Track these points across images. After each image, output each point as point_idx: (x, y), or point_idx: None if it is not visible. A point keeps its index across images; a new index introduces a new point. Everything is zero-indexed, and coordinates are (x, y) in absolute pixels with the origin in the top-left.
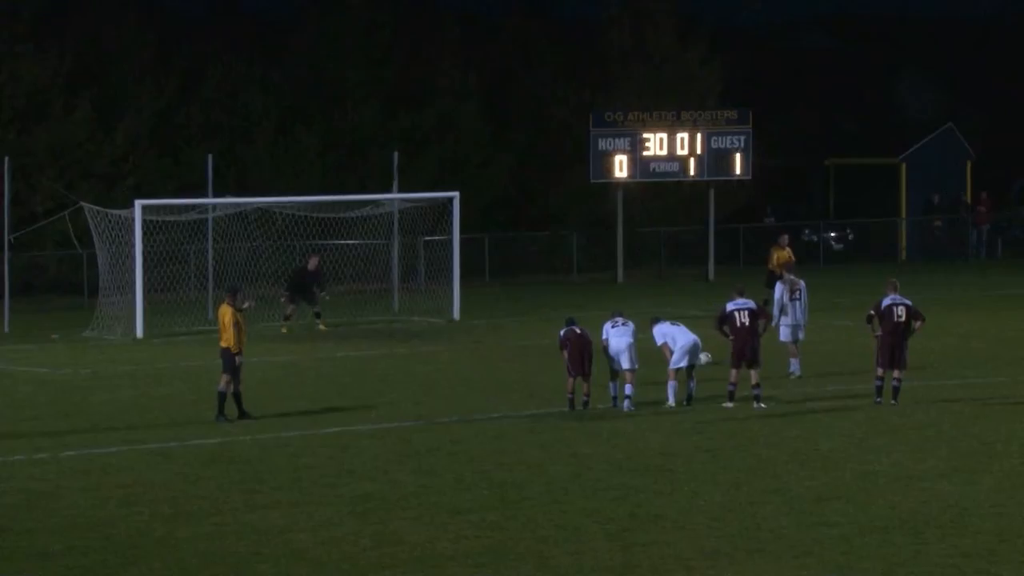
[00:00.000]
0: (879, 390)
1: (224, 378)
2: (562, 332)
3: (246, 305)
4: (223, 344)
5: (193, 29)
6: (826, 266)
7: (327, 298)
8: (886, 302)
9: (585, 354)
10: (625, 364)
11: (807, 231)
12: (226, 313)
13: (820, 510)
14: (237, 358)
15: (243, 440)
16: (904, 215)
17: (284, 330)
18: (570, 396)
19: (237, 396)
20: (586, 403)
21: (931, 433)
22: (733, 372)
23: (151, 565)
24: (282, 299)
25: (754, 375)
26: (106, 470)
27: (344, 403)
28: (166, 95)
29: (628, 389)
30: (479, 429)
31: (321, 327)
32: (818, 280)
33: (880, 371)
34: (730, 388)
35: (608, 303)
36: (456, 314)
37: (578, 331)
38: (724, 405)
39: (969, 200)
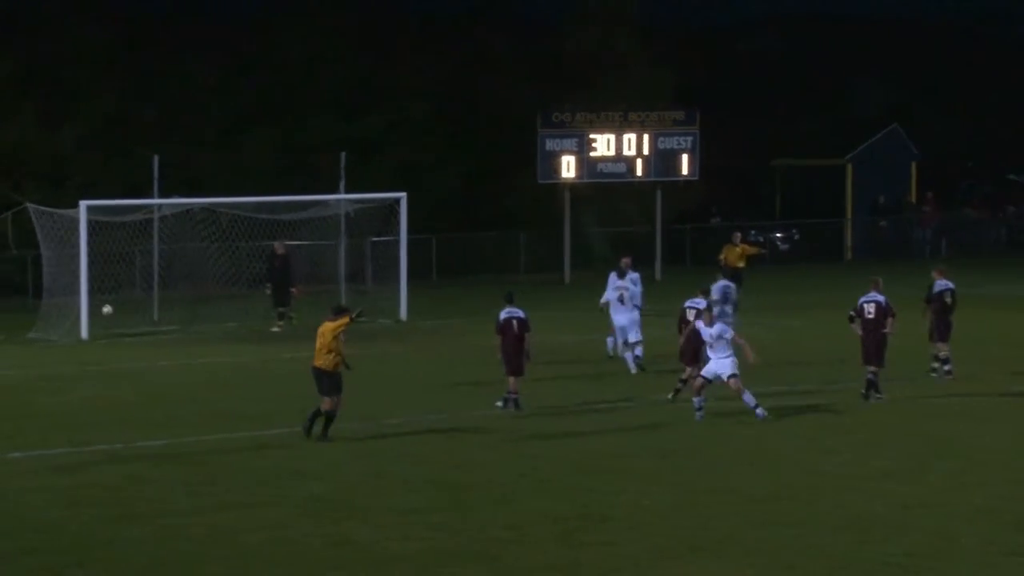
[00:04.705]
0: (869, 385)
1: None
2: (501, 316)
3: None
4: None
5: (144, 30)
6: (773, 266)
7: (294, 291)
8: (862, 300)
9: (519, 352)
10: (632, 337)
11: (754, 232)
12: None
13: (769, 509)
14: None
15: (191, 441)
16: (850, 215)
17: (276, 329)
18: (514, 395)
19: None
20: (515, 400)
21: (878, 433)
22: (688, 370)
23: (98, 566)
24: (267, 291)
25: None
26: (53, 471)
27: (293, 404)
28: (114, 96)
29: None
30: (428, 429)
31: (276, 328)
32: (764, 280)
33: (869, 368)
34: (679, 385)
35: (555, 303)
36: (404, 315)
37: (515, 323)
38: (668, 397)
39: (914, 200)
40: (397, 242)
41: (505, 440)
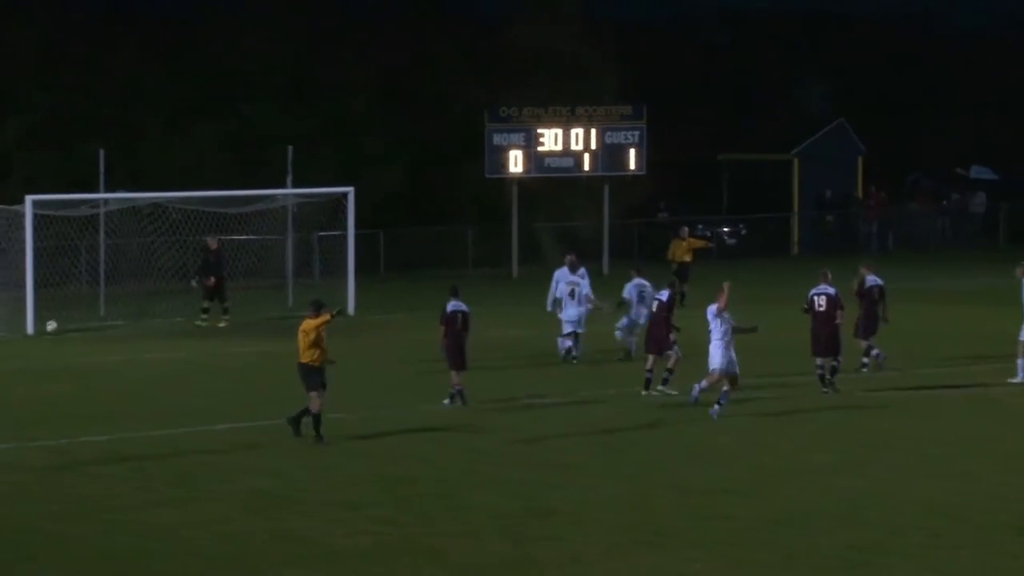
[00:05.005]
0: (821, 379)
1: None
2: (448, 308)
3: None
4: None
5: (89, 23)
6: (720, 261)
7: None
8: (812, 292)
9: (461, 347)
10: (578, 329)
11: (701, 226)
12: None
13: (714, 503)
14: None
15: (136, 437)
16: (797, 210)
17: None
18: (458, 388)
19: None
20: (461, 395)
21: (824, 427)
22: (649, 359)
23: (42, 562)
24: (193, 283)
25: (667, 362)
26: None
27: (238, 399)
28: (59, 90)
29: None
30: (374, 424)
31: (221, 324)
32: (712, 275)
33: (817, 360)
34: (647, 376)
35: (503, 298)
36: (351, 309)
37: (460, 317)
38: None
39: (861, 195)
40: (344, 236)
41: (451, 434)
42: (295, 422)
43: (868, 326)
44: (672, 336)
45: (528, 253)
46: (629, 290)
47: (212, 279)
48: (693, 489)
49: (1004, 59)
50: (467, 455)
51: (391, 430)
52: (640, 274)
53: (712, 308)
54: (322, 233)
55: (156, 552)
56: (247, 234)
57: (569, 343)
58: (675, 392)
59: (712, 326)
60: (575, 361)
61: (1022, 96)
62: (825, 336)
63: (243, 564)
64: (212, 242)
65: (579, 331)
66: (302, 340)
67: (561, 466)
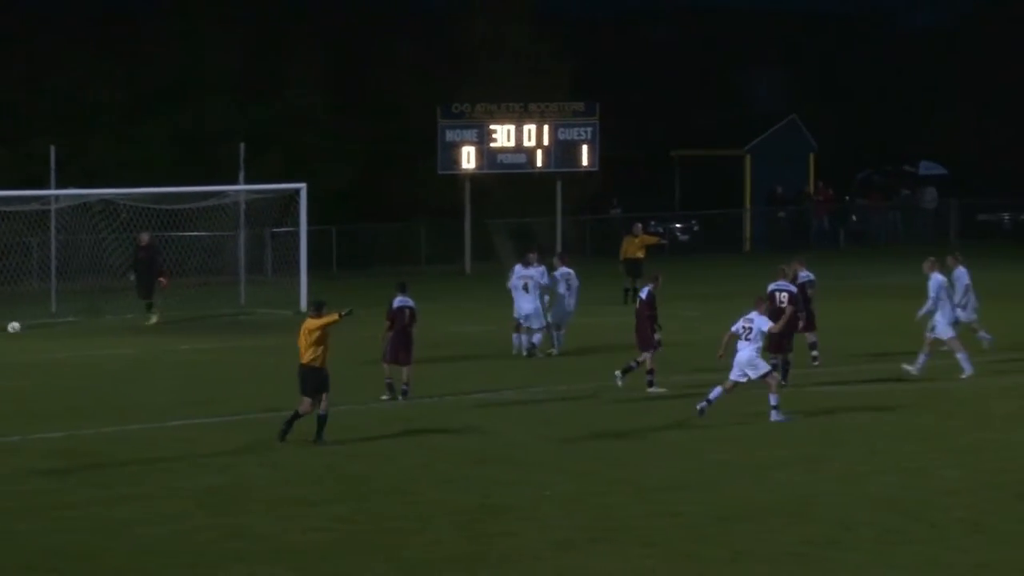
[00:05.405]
0: (773, 368)
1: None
2: (394, 304)
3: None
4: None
5: (39, 19)
6: (672, 256)
7: (162, 282)
8: (771, 288)
9: (403, 344)
10: (535, 325)
11: (654, 222)
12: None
13: (668, 499)
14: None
15: (88, 434)
16: (749, 206)
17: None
18: (388, 380)
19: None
20: (405, 392)
21: (778, 423)
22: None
23: None
24: (131, 278)
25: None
26: None
27: (191, 396)
28: (9, 86)
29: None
30: (328, 420)
31: (152, 320)
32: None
33: (770, 353)
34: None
35: (456, 294)
36: (304, 306)
37: (407, 313)
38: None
39: (812, 191)
40: (297, 233)
41: (405, 431)
42: (286, 426)
43: (810, 321)
44: (656, 335)
45: (481, 249)
46: (553, 279)
47: (134, 276)
48: (646, 485)
49: (955, 56)
50: (422, 451)
51: (346, 426)
52: (564, 262)
53: (763, 321)
54: (275, 229)
55: (108, 549)
56: (199, 230)
57: (527, 339)
58: (664, 390)
59: (753, 335)
60: (541, 355)
61: (973, 92)
62: (784, 332)
63: (196, 561)
64: (144, 237)
65: (536, 326)
66: (304, 340)
67: (515, 462)
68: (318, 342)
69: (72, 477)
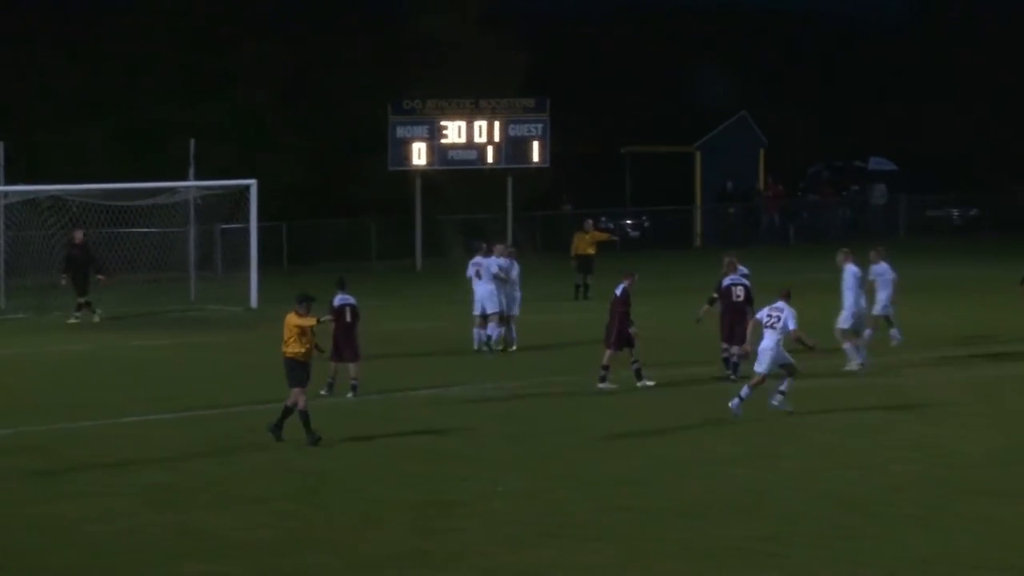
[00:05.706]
0: (725, 362)
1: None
2: (335, 302)
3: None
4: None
5: None
6: (623, 252)
7: (100, 279)
8: (727, 282)
9: (346, 341)
10: (489, 308)
11: (604, 218)
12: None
13: (617, 494)
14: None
15: (37, 430)
16: (699, 202)
17: (74, 321)
18: (330, 380)
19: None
20: (354, 388)
21: (723, 419)
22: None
23: None
24: (62, 282)
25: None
26: None
27: (140, 393)
28: None
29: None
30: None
31: (73, 319)
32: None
33: (724, 345)
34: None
35: (407, 290)
36: (254, 302)
37: (348, 310)
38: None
39: (763, 187)
40: (247, 229)
41: (354, 426)
42: (277, 427)
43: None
44: (632, 329)
45: (432, 246)
46: (492, 264)
47: (67, 275)
48: (596, 481)
49: (902, 52)
50: (372, 447)
51: (295, 423)
52: (487, 253)
53: (791, 317)
54: (225, 226)
55: (54, 547)
56: (149, 227)
57: (488, 332)
58: (653, 383)
59: (780, 326)
60: (501, 348)
61: (921, 87)
62: (739, 325)
63: (142, 559)
64: (78, 235)
65: (492, 311)
66: (287, 332)
67: (464, 458)
68: (302, 334)
69: (19, 474)
